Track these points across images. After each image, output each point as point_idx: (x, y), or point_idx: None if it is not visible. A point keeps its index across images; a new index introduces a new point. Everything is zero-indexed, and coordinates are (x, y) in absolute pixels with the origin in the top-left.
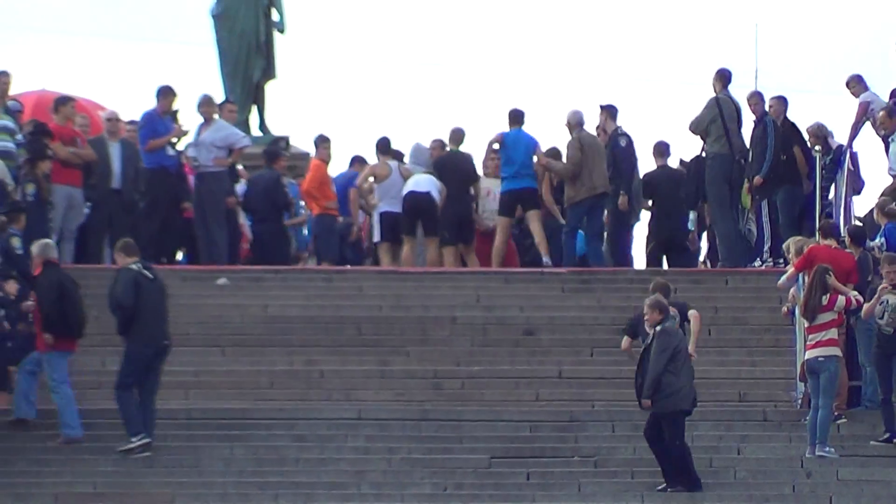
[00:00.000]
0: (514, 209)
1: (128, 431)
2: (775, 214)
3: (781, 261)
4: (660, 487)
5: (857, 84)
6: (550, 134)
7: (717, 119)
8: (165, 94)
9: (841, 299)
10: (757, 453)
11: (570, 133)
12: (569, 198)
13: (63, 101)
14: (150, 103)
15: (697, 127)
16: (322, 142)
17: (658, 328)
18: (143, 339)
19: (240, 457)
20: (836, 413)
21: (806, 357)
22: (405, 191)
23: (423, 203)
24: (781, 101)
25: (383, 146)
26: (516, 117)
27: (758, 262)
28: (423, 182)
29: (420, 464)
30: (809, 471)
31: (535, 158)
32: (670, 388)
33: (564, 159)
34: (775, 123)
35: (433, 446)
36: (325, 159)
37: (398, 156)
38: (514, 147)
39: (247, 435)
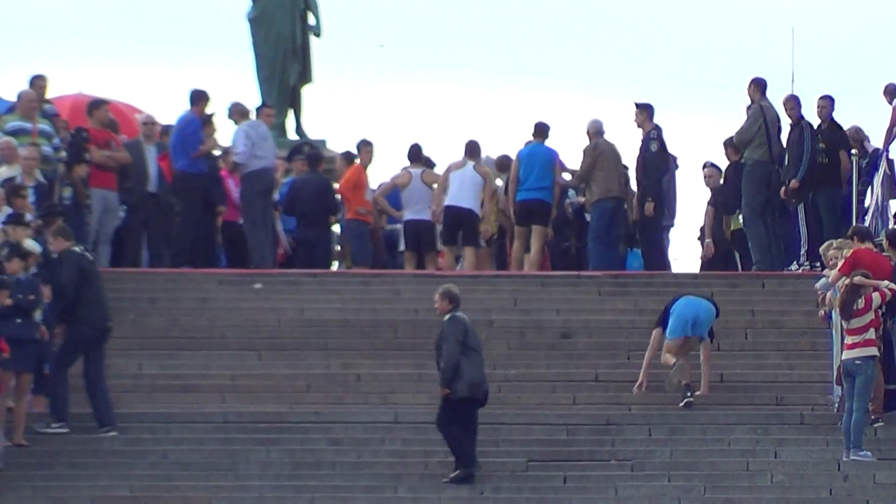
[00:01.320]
0: (529, 219)
1: (54, 413)
2: (812, 218)
3: (819, 264)
4: (449, 478)
5: (891, 94)
6: (578, 140)
7: (762, 127)
8: (201, 98)
9: (876, 296)
10: (794, 457)
11: (590, 141)
12: (586, 202)
13: (97, 105)
14: (186, 106)
15: (744, 137)
16: (364, 146)
17: (447, 317)
18: (89, 322)
19: (276, 460)
20: (872, 416)
21: (843, 358)
22: (447, 202)
23: (464, 217)
24: (829, 102)
25: (413, 154)
26: (540, 131)
27: (794, 266)
28: (466, 194)
29: None
30: (846, 474)
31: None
32: (462, 374)
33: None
34: (812, 127)
35: None
36: (365, 163)
37: (429, 163)
38: (529, 162)
39: (283, 438)
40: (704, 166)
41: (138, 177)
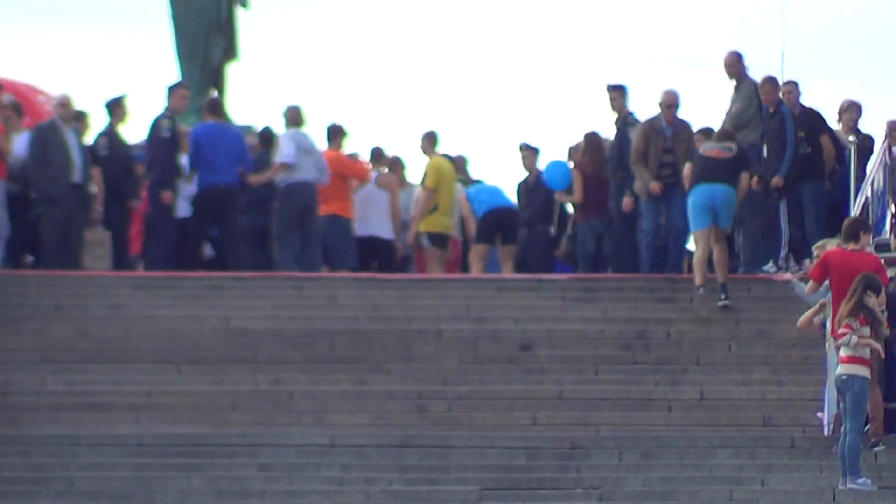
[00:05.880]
0: (495, 233)
1: None
2: (794, 214)
3: (798, 267)
4: None
5: None
6: (568, 121)
7: (758, 107)
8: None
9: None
10: (783, 485)
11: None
12: (638, 190)
13: None
14: (100, 88)
15: (741, 120)
16: (336, 132)
17: None
18: None
19: (197, 488)
20: (873, 440)
21: (835, 372)
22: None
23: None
24: (795, 87)
25: (376, 155)
26: (461, 167)
27: (770, 266)
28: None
29: (402, 496)
30: None
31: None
32: None
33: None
34: (792, 115)
35: (416, 476)
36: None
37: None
38: (481, 191)
39: (205, 463)
40: (521, 148)
41: (61, 165)
